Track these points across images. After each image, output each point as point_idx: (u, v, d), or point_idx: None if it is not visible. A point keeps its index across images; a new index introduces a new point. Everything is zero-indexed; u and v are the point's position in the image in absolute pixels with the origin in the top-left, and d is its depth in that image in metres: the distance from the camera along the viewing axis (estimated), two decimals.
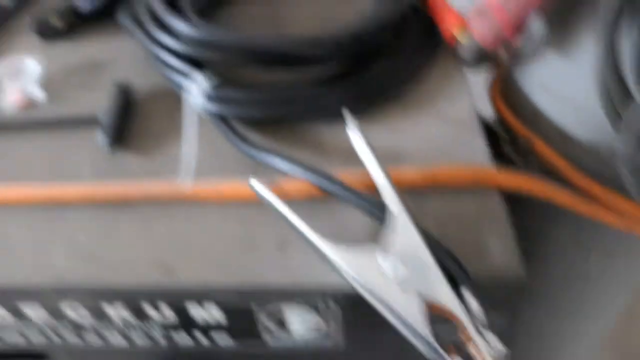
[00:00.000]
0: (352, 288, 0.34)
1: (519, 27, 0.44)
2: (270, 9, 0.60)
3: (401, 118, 0.47)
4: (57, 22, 0.58)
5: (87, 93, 0.52)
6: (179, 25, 0.47)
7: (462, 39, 0.47)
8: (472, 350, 0.31)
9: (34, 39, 0.59)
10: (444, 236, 0.35)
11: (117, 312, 0.39)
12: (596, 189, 0.42)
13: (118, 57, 0.56)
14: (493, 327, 0.31)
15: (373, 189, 0.37)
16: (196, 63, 0.47)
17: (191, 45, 0.47)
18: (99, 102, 0.49)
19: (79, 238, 0.40)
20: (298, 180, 0.39)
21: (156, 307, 0.39)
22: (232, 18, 0.59)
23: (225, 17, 0.59)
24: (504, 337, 0.31)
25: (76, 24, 0.59)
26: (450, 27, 0.49)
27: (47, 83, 0.53)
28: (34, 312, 0.40)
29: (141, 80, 0.52)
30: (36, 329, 0.42)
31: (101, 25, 0.59)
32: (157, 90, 0.51)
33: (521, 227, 0.39)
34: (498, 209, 0.39)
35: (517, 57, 0.51)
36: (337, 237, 0.35)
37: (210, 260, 0.38)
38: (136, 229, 0.41)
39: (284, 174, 0.40)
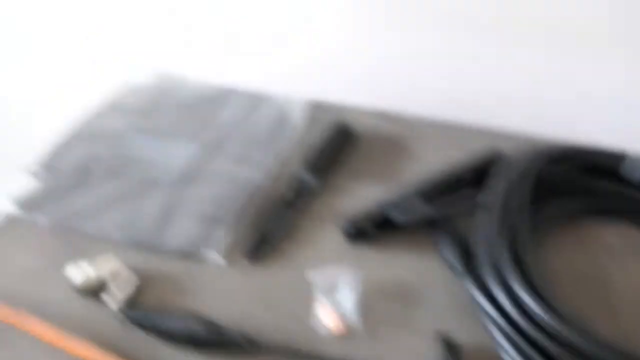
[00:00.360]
0: None
1: None
2: None
3: None
4: (367, 226, 0.58)
5: (404, 332, 0.50)
6: (541, 315, 0.44)
7: None
8: None
9: (337, 236, 0.59)
10: None
11: None
12: None
13: (432, 285, 0.54)
14: None
15: None
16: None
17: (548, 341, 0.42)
18: (418, 348, 0.47)
19: None
20: None
21: None
22: None
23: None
24: None
25: (387, 231, 0.58)
26: None
27: (361, 307, 0.52)
28: None
29: (461, 329, 0.49)
30: None
31: (412, 235, 0.58)
32: (480, 347, 0.48)
33: None
34: None
35: None
36: None
37: None
38: None
39: None
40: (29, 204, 0.62)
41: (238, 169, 0.67)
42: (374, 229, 0.58)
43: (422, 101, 0.81)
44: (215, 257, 0.57)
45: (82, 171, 0.66)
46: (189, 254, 0.57)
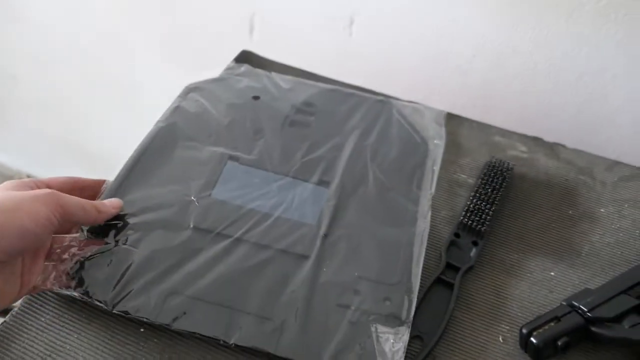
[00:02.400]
0: None
1: None
2: None
3: None
4: (558, 339, 0.42)
5: None
6: None
7: None
8: None
9: (510, 345, 0.44)
10: None
11: None
12: None
13: None
14: None
15: None
16: None
17: None
18: None
19: None
20: None
21: None
22: None
23: None
24: None
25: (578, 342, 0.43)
26: None
27: None
28: None
29: None
30: None
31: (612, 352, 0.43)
32: None
33: None
34: None
35: None
36: None
37: None
38: None
39: None
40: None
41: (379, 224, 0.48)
42: (565, 343, 0.43)
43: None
44: None
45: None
46: None
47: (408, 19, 0.75)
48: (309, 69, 0.67)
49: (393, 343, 0.40)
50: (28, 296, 0.43)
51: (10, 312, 0.42)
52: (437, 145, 0.55)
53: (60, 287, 0.41)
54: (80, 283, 0.42)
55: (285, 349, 0.40)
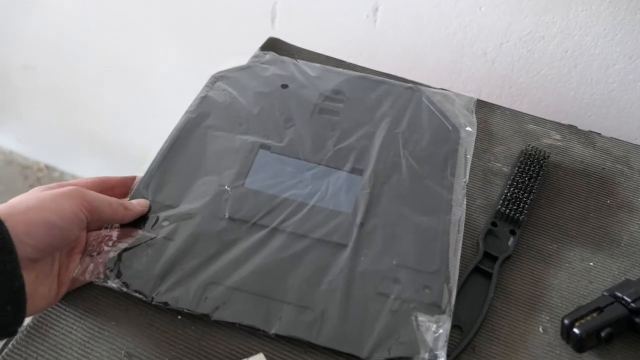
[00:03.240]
0: None
1: None
2: None
3: None
4: (601, 330, 0.41)
5: None
6: None
7: None
8: None
9: (550, 336, 0.43)
10: None
11: None
12: None
13: None
14: None
15: None
16: None
17: None
18: None
19: None
20: None
21: None
22: None
23: None
24: None
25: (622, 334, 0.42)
26: None
27: None
28: None
29: None
30: None
31: None
32: None
33: None
34: None
35: None
36: None
37: None
38: None
39: None
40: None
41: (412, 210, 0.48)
42: (609, 334, 0.42)
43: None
44: None
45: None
46: None
47: (433, 5, 0.74)
48: (334, 56, 0.66)
49: (435, 331, 0.39)
50: None
51: None
52: (469, 132, 0.54)
53: (98, 279, 0.41)
54: (119, 275, 0.41)
55: (327, 338, 0.39)
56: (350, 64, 0.65)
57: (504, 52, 0.74)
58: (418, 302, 0.41)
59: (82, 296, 0.42)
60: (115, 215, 0.43)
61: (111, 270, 0.41)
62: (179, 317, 0.41)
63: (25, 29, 1.15)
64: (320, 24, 0.83)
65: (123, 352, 0.39)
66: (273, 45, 0.66)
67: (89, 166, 1.42)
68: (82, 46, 1.11)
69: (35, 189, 0.41)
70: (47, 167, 1.47)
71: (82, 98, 1.24)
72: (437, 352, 0.38)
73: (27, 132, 1.44)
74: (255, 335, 0.41)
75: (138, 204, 0.45)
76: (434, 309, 0.41)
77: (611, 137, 0.58)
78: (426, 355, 0.38)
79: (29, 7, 1.10)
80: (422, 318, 0.40)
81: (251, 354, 0.39)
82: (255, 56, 0.63)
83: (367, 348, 0.39)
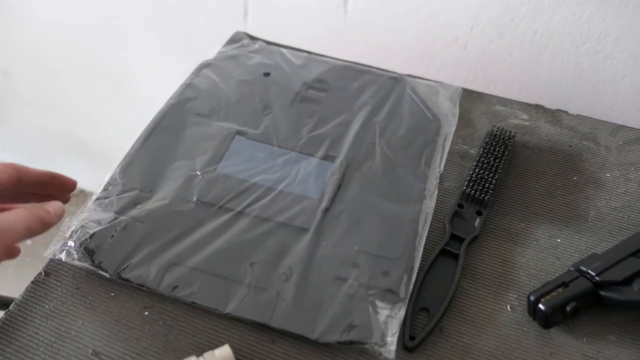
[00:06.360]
0: None
1: None
2: None
3: None
4: (566, 305, 0.42)
5: None
6: None
7: None
8: None
9: (518, 313, 0.43)
10: None
11: None
12: None
13: None
14: None
15: None
16: None
17: None
18: None
19: None
20: None
21: None
22: None
23: None
24: None
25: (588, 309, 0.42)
26: None
27: None
28: None
29: None
30: None
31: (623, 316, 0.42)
32: None
33: None
34: None
35: None
36: None
37: None
38: None
39: None
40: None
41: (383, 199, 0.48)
42: (574, 309, 0.42)
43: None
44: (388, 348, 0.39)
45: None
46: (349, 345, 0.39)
47: None
48: (306, 49, 0.66)
49: (388, 317, 0.40)
50: (31, 284, 0.43)
51: (14, 301, 0.42)
52: (450, 122, 0.54)
53: (69, 258, 0.42)
54: (89, 253, 0.43)
55: (280, 320, 0.40)
56: (321, 55, 0.65)
57: (475, 36, 0.74)
58: (375, 288, 0.41)
59: (48, 296, 0.42)
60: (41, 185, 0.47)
61: (82, 249, 0.43)
62: (146, 312, 0.41)
63: (1, 35, 1.15)
64: (293, 17, 0.83)
65: (90, 350, 0.39)
66: (240, 39, 0.66)
67: (72, 170, 1.41)
68: (58, 50, 1.11)
69: None
70: None
71: (62, 102, 1.23)
72: (388, 339, 0.38)
73: (11, 139, 1.43)
74: (224, 328, 0.41)
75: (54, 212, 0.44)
76: (391, 295, 0.41)
77: (577, 114, 0.58)
78: (378, 341, 0.38)
79: (3, 13, 1.10)
80: (378, 304, 0.40)
81: (217, 347, 0.39)
82: (243, 45, 0.63)
83: (318, 330, 0.39)
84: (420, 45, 0.78)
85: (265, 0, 0.83)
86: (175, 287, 0.41)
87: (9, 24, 1.11)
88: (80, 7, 1.00)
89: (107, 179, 0.48)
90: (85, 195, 1.44)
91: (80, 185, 0.53)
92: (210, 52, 0.63)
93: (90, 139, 1.29)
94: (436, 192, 0.48)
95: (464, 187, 0.49)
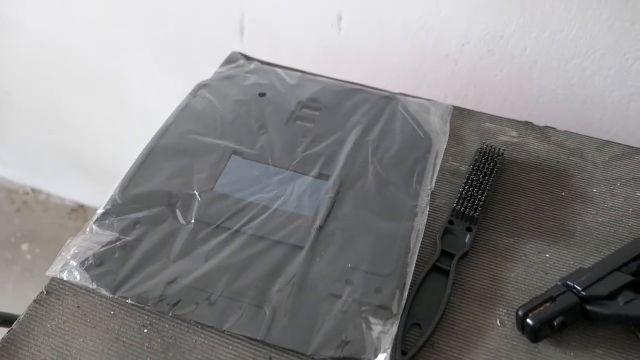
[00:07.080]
0: None
1: None
2: None
3: None
4: (554, 320, 0.43)
5: None
6: None
7: None
8: None
9: (507, 328, 0.44)
10: None
11: None
12: None
13: None
14: None
15: None
16: None
17: None
18: None
19: None
20: None
21: None
22: None
23: None
24: None
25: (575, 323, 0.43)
26: None
27: None
28: None
29: None
30: None
31: (610, 330, 0.43)
32: None
33: None
34: None
35: None
36: None
37: None
38: None
39: None
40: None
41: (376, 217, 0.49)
42: (562, 323, 0.43)
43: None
44: None
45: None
46: None
47: (394, 10, 0.75)
48: (300, 68, 0.67)
49: (381, 334, 0.41)
50: (33, 303, 0.44)
51: (16, 320, 0.43)
52: (441, 140, 0.56)
53: (70, 277, 0.44)
54: (91, 274, 0.44)
55: (275, 336, 0.41)
56: (315, 74, 0.66)
57: (466, 53, 0.76)
58: (368, 304, 0.43)
59: (50, 315, 0.43)
60: None
61: (83, 269, 0.44)
62: (145, 330, 0.43)
63: (1, 55, 1.16)
64: (289, 36, 0.85)
65: None
66: (236, 60, 0.67)
67: (74, 187, 1.43)
68: (58, 67, 1.12)
69: None
70: (33, 190, 1.47)
71: (64, 119, 1.25)
72: (381, 355, 0.40)
73: (12, 156, 1.45)
74: (220, 344, 0.42)
75: None
76: (384, 311, 0.42)
77: (565, 131, 0.60)
78: (371, 356, 0.40)
79: (2, 31, 1.12)
80: (371, 320, 0.42)
81: None
82: (240, 65, 0.65)
83: (313, 346, 0.40)
84: (412, 62, 0.80)
85: (261, 18, 0.85)
86: (174, 305, 0.43)
87: (9, 42, 1.13)
88: (81, 28, 1.02)
89: (107, 199, 0.50)
90: (84, 210, 1.45)
91: (80, 200, 0.55)
92: (209, 70, 0.65)
93: (90, 155, 1.30)
94: (428, 209, 0.50)
95: (455, 205, 0.50)
